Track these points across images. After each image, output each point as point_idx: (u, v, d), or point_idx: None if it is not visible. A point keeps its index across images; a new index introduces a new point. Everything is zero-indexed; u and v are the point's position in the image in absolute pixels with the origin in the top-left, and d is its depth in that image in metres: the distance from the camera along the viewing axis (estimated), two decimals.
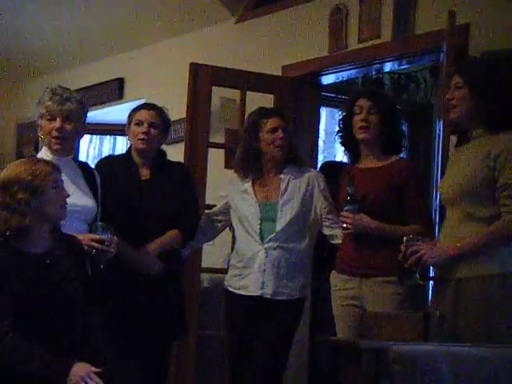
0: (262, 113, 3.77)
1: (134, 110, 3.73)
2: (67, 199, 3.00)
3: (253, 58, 5.02)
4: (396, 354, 2.20)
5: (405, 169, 3.45)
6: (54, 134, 3.37)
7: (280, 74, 4.85)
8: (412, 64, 4.57)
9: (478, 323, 2.80)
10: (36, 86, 7.17)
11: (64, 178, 3.12)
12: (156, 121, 3.65)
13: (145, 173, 3.63)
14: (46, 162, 2.91)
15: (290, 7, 4.93)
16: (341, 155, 6.75)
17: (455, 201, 2.97)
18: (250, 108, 4.38)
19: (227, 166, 4.65)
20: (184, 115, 4.65)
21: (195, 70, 4.50)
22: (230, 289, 3.70)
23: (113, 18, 5.80)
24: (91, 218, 3.38)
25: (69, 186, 3.20)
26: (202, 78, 4.49)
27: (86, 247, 3.11)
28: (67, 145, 3.43)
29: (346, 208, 3.39)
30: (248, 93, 4.56)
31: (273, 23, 5.02)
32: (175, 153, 5.31)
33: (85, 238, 3.17)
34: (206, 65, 4.54)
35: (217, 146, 4.72)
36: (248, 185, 3.71)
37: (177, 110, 5.27)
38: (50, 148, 3.41)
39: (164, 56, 5.81)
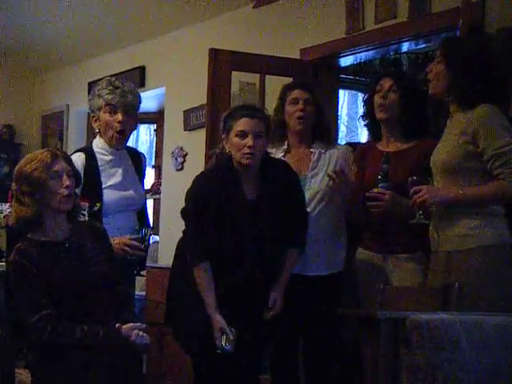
0: (288, 85, 3.73)
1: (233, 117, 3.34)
2: (127, 192, 3.30)
3: (271, 42, 5.06)
4: (413, 323, 2.25)
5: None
6: (118, 127, 3.37)
7: (298, 57, 4.87)
8: (429, 43, 4.56)
9: (479, 292, 2.87)
10: (59, 77, 7.28)
11: (120, 171, 3.36)
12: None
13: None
14: (47, 153, 2.88)
15: None
16: (364, 139, 6.74)
17: (440, 173, 3.03)
18: (270, 92, 4.43)
19: None
20: (205, 101, 4.70)
21: (215, 55, 4.53)
22: None
23: (133, 6, 5.85)
24: (141, 205, 3.49)
25: (126, 179, 3.37)
26: (222, 64, 4.53)
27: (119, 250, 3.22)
28: (126, 137, 3.46)
29: (380, 185, 3.26)
30: (267, 76, 4.60)
31: (289, 7, 5.04)
32: (197, 138, 5.40)
33: (120, 242, 3.25)
34: (225, 50, 4.57)
35: None
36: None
37: (197, 96, 5.36)
38: (110, 140, 3.40)
39: (183, 43, 5.87)
